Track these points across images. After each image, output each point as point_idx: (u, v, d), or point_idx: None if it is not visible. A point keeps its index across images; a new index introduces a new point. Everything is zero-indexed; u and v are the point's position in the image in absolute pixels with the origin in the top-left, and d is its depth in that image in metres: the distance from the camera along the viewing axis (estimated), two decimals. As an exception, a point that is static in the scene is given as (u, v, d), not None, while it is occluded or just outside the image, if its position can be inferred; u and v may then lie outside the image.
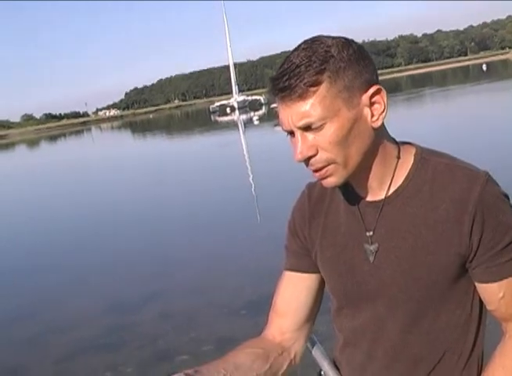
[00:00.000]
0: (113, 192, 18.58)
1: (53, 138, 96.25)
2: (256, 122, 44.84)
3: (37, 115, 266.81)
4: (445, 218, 1.32)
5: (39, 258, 10.69)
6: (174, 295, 7.30)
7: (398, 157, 1.38)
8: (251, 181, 15.44)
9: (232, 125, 47.32)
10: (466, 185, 1.31)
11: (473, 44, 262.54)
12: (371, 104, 1.30)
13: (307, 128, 1.28)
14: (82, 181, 23.06)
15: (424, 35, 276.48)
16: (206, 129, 46.98)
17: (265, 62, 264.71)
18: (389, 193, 1.38)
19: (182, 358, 5.12)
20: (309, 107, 1.26)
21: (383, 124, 1.34)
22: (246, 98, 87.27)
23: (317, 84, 1.25)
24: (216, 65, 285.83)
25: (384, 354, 1.41)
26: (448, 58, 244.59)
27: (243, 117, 58.84)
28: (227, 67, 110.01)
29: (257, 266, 7.70)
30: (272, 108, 41.16)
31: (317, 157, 1.30)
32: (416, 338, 1.37)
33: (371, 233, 1.39)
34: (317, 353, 1.56)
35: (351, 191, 1.43)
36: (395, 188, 1.37)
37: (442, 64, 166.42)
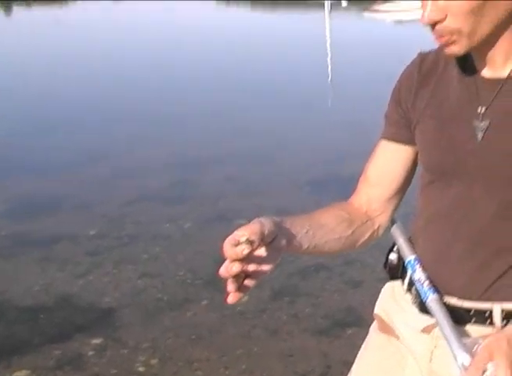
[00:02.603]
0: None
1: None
2: (344, 4, 43.12)
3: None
4: None
5: (114, 105, 10.91)
6: (242, 160, 7.39)
7: None
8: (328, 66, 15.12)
9: (319, 4, 45.75)
10: None
11: None
12: None
13: None
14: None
15: None
16: (292, 4, 45.66)
17: None
18: None
19: (240, 222, 5.24)
20: None
21: None
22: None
23: None
24: None
25: (469, 237, 1.36)
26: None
27: (331, -3, 56.75)
28: None
29: (328, 148, 7.73)
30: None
31: (445, 23, 1.22)
32: (506, 226, 1.32)
33: (484, 108, 1.31)
34: (395, 229, 1.53)
35: (470, 64, 1.35)
36: None
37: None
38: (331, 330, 3.59)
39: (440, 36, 1.25)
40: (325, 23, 26.15)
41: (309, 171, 6.75)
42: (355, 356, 1.60)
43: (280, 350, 3.41)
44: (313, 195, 5.92)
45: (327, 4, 30.71)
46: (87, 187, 6.62)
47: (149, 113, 10.13)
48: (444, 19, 1.22)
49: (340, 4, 43.54)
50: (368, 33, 24.40)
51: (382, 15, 30.27)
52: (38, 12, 46.33)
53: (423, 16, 1.24)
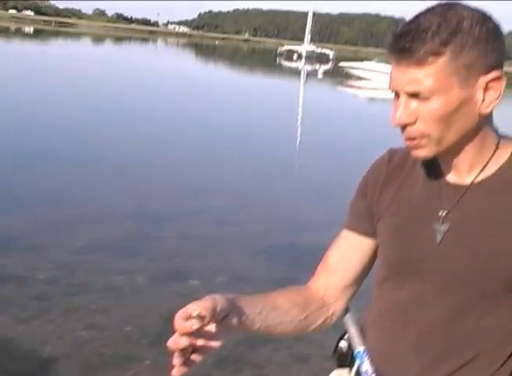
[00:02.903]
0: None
1: (119, 39, 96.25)
2: (320, 76, 44.30)
3: (109, 13, 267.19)
4: None
5: (76, 149, 10.85)
6: (201, 219, 7.36)
7: (496, 148, 1.33)
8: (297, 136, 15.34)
9: (296, 73, 46.75)
10: None
11: None
12: (486, 89, 1.24)
13: (414, 94, 1.24)
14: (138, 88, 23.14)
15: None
16: (269, 70, 46.58)
17: (344, 19, 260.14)
18: (475, 181, 1.33)
19: (193, 282, 5.21)
20: (423, 76, 1.21)
21: (490, 112, 1.28)
22: (315, 49, 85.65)
23: (438, 54, 1.20)
24: (295, 9, 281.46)
25: (418, 337, 1.37)
26: None
27: (308, 67, 58.12)
28: (305, 14, 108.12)
29: (288, 217, 7.76)
30: (340, 67, 40.30)
31: (414, 127, 1.27)
32: (455, 330, 1.33)
33: (445, 212, 1.34)
34: (348, 318, 1.54)
35: (436, 168, 1.39)
36: (483, 177, 1.33)
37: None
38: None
39: (409, 138, 1.29)
40: (299, 90, 26.76)
41: (266, 238, 6.75)
42: None
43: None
44: (267, 262, 5.93)
45: (303, 73, 31.53)
46: (41, 230, 6.51)
47: (113, 161, 10.11)
48: (414, 122, 1.27)
49: (316, 75, 44.68)
50: (340, 105, 24.94)
51: (356, 90, 31.04)
52: None
53: (394, 116, 1.28)
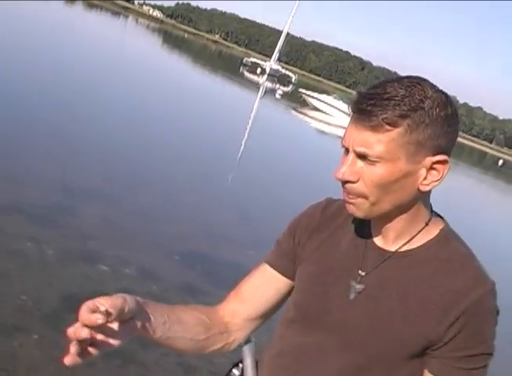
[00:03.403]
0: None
1: (90, 5, 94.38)
2: (278, 96, 44.46)
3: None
4: (435, 300, 1.31)
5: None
6: (124, 211, 7.27)
7: (426, 225, 1.38)
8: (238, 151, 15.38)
9: (255, 87, 46.89)
10: (471, 284, 1.30)
11: (502, 136, 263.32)
12: (430, 168, 1.29)
13: (362, 156, 1.28)
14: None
15: (465, 105, 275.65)
16: (229, 77, 46.58)
17: (315, 47, 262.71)
18: (400, 250, 1.38)
19: (102, 268, 5.15)
20: (375, 141, 1.25)
21: (429, 191, 1.34)
22: (280, 69, 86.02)
23: (394, 125, 1.25)
24: (270, 24, 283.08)
25: None
26: (473, 136, 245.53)
27: (269, 84, 58.38)
28: (279, 32, 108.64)
29: (208, 226, 7.76)
30: (300, 92, 40.54)
31: (354, 185, 1.31)
32: None
33: (364, 273, 1.39)
34: (247, 348, 1.57)
35: (366, 228, 1.44)
36: (407, 249, 1.38)
37: (466, 139, 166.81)
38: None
39: (347, 194, 1.34)
40: (254, 104, 26.86)
41: (184, 243, 6.71)
42: None
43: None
44: (179, 266, 5.91)
45: (262, 89, 31.57)
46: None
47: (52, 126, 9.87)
48: (356, 181, 1.31)
49: (275, 94, 44.88)
50: (289, 129, 25.15)
51: (308, 119, 31.37)
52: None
53: (339, 171, 1.32)
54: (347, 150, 1.32)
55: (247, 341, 1.59)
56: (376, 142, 1.25)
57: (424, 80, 1.30)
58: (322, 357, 1.39)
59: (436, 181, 1.31)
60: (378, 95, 1.25)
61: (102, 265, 5.21)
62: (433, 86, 1.29)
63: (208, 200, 9.11)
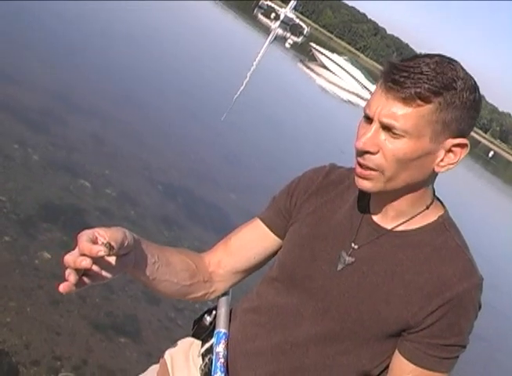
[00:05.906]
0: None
1: None
2: (287, 45, 43.79)
3: None
4: (421, 285, 1.31)
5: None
6: (117, 131, 7.21)
7: (427, 208, 1.37)
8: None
9: (265, 31, 46.15)
10: (460, 275, 1.30)
11: (498, 128, 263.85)
12: (449, 151, 1.28)
13: (387, 127, 1.24)
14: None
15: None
16: (242, 17, 45.74)
17: (333, 3, 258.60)
18: (395, 229, 1.37)
19: (84, 183, 5.11)
20: (403, 114, 1.22)
21: (438, 174, 1.33)
22: (294, 18, 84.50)
23: (426, 101, 1.21)
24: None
25: (278, 344, 1.40)
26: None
27: (280, 31, 57.47)
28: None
29: (196, 163, 7.73)
30: (310, 46, 39.83)
31: (373, 156, 1.27)
32: (314, 353, 1.36)
33: (357, 246, 1.38)
34: (223, 299, 1.57)
35: (365, 202, 1.42)
36: (403, 229, 1.37)
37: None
38: None
39: (361, 167, 1.29)
40: (261, 49, 26.50)
41: (170, 175, 6.67)
42: None
43: (51, 324, 3.32)
44: (161, 196, 5.88)
45: (273, 34, 30.99)
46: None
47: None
48: (375, 153, 1.27)
49: (285, 43, 44.27)
50: (291, 80, 24.88)
51: (313, 75, 30.98)
52: None
53: (359, 140, 1.27)
54: (368, 119, 1.28)
55: (226, 293, 1.59)
56: (405, 115, 1.22)
57: (455, 60, 1.27)
58: (298, 320, 1.39)
59: (452, 164, 1.29)
60: (411, 69, 1.22)
61: (85, 180, 5.17)
62: (463, 68, 1.26)
63: (200, 136, 9.04)
